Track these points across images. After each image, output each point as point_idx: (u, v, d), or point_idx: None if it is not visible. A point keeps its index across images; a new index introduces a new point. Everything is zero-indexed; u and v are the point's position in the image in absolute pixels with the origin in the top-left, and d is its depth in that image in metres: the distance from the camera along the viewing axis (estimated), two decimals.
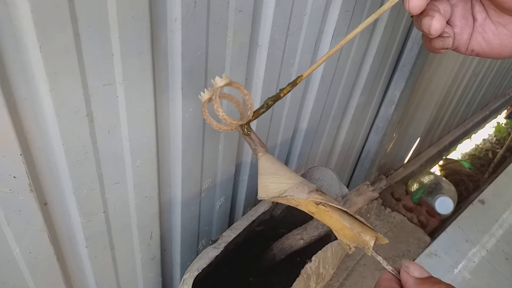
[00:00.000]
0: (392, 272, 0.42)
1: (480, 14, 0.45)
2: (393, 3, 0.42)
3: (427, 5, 0.42)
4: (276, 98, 0.49)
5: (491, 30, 0.45)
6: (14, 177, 0.44)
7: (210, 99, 0.44)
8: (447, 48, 0.45)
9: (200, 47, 0.53)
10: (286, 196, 0.48)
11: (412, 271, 0.41)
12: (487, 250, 1.29)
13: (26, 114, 0.42)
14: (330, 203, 0.46)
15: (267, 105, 0.48)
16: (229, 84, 0.43)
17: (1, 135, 0.40)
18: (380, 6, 0.78)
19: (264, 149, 0.51)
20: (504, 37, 0.44)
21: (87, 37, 0.41)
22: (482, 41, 0.46)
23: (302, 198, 0.47)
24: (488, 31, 0.45)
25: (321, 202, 0.47)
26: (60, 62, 0.40)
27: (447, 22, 0.46)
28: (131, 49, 0.45)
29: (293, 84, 0.48)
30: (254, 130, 0.70)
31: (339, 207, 0.46)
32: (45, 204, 0.51)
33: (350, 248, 0.47)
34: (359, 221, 0.46)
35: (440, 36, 0.44)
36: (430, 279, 0.40)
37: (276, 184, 0.49)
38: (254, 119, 0.48)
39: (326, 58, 0.46)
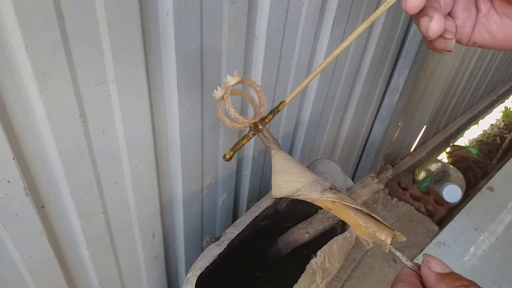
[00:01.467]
0: (412, 267, 0.41)
1: (484, 5, 0.43)
2: (389, 5, 0.40)
3: (426, 1, 0.39)
4: (255, 129, 0.48)
5: (496, 22, 0.42)
6: (8, 181, 0.43)
7: (223, 97, 0.43)
8: (449, 51, 0.42)
9: (194, 41, 0.51)
10: (299, 195, 0.48)
11: (434, 266, 0.40)
12: (496, 238, 1.27)
13: (16, 116, 0.41)
14: (344, 202, 0.45)
15: (248, 137, 0.48)
16: (240, 82, 0.42)
17: None
18: (378, 1, 0.76)
19: (277, 147, 0.49)
20: (509, 30, 0.42)
21: (75, 35, 0.40)
22: (486, 33, 0.43)
23: (315, 197, 0.46)
24: (492, 23, 0.43)
25: (334, 201, 0.45)
26: (48, 62, 0.39)
27: (448, 14, 0.43)
28: (122, 46, 0.44)
29: (275, 111, 0.48)
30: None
31: (353, 205, 0.45)
32: (42, 207, 0.50)
33: (368, 244, 0.46)
34: (375, 219, 0.45)
35: (441, 36, 0.41)
36: (452, 275, 0.38)
37: (289, 182, 0.48)
38: (235, 152, 0.48)
39: (312, 78, 0.45)
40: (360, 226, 0.45)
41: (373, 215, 0.45)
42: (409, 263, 0.41)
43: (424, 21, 0.39)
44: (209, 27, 0.52)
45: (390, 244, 0.43)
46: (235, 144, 0.49)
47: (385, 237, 0.44)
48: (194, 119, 0.59)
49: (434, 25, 0.38)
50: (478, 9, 0.43)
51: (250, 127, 0.49)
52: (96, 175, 0.52)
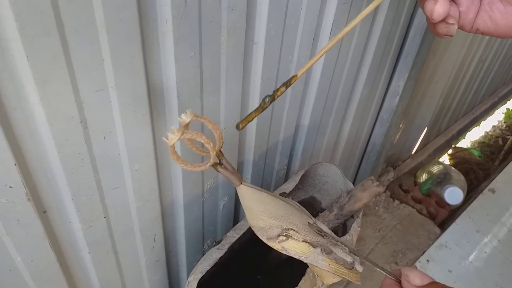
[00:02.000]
0: (394, 279, 0.42)
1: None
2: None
3: None
4: (272, 98, 0.47)
5: (499, 9, 0.43)
6: (10, 187, 0.44)
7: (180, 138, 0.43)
8: (451, 35, 0.43)
9: (193, 48, 0.52)
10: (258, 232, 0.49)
11: (413, 279, 0.40)
12: (498, 240, 1.27)
13: (18, 123, 0.42)
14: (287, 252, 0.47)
15: (262, 108, 0.46)
16: (194, 119, 0.42)
17: None
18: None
19: (238, 182, 0.49)
20: (511, 17, 0.43)
21: (75, 43, 0.40)
22: (488, 20, 0.44)
23: (263, 240, 0.48)
24: (496, 10, 0.43)
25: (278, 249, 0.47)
26: (49, 70, 0.40)
27: (453, 0, 0.44)
28: (122, 53, 0.45)
29: (287, 84, 0.47)
30: (252, 134, 0.69)
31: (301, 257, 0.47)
32: (44, 212, 0.51)
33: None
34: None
35: (444, 21, 0.42)
36: (432, 284, 0.39)
37: (254, 220, 0.49)
38: (247, 123, 0.46)
39: (322, 54, 0.44)
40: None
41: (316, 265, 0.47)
42: (389, 276, 0.42)
43: (429, 3, 0.40)
44: (208, 34, 0.52)
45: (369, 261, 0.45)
46: (248, 115, 0.47)
47: (335, 279, 0.46)
48: (194, 123, 0.60)
49: (438, 7, 0.39)
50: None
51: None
52: (97, 180, 0.52)
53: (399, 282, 0.41)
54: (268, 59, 0.65)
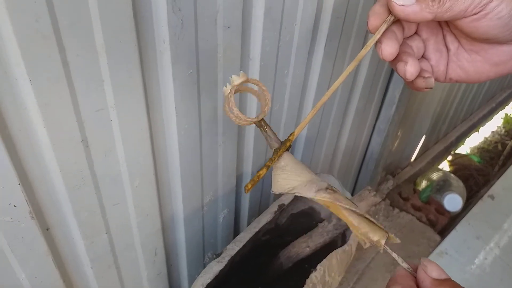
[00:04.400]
0: (408, 269, 0.42)
1: (452, 44, 0.46)
2: (368, 49, 0.43)
3: (400, 48, 0.42)
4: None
5: (465, 58, 0.45)
6: (14, 206, 0.45)
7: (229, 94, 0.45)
8: (430, 87, 0.45)
9: (190, 66, 0.54)
10: (294, 193, 0.49)
11: (430, 271, 0.40)
12: (499, 247, 1.27)
13: (21, 144, 0.43)
14: (338, 203, 0.46)
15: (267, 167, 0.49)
16: (246, 81, 0.44)
17: None
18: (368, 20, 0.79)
19: (278, 145, 0.51)
20: (478, 64, 0.45)
21: (76, 65, 0.42)
22: (458, 69, 0.46)
23: (309, 196, 0.48)
24: (462, 59, 0.46)
25: (326, 200, 0.47)
26: (51, 92, 0.41)
27: (422, 56, 0.47)
28: (121, 74, 0.46)
29: (287, 142, 0.49)
30: (250, 147, 0.71)
31: (347, 206, 0.46)
32: (47, 229, 0.52)
33: (366, 243, 0.47)
34: (369, 220, 0.46)
35: (420, 76, 0.44)
36: (448, 281, 0.39)
37: (286, 180, 0.50)
38: (254, 185, 0.49)
39: (315, 112, 0.47)
40: (355, 226, 0.46)
41: (367, 216, 0.46)
42: (405, 265, 0.42)
43: (400, 66, 0.42)
44: (205, 52, 0.54)
45: (386, 245, 0.45)
46: (254, 177, 0.50)
47: (378, 238, 0.45)
48: (193, 139, 0.61)
49: (409, 68, 0.42)
50: (448, 49, 0.46)
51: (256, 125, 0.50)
52: (98, 196, 0.54)
53: (414, 277, 0.41)
54: (264, 74, 0.66)
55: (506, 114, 2.77)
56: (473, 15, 0.38)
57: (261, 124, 0.49)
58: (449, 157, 2.19)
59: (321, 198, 0.47)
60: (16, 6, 0.35)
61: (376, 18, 0.42)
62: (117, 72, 0.46)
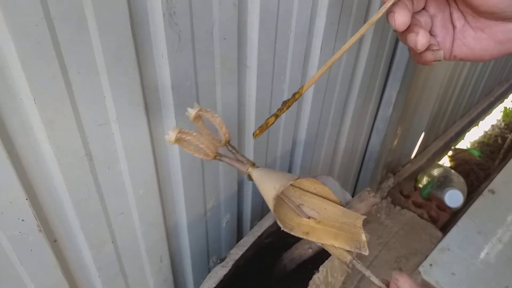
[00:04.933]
0: (379, 285, 0.44)
1: (459, 21, 0.47)
2: (380, 15, 0.43)
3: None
4: (286, 105, 0.50)
5: (471, 36, 0.46)
6: (23, 220, 0.47)
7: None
8: (439, 60, 0.46)
9: (189, 78, 0.55)
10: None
11: (402, 284, 0.42)
12: (500, 240, 1.28)
13: (28, 161, 0.45)
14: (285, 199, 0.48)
15: (276, 116, 0.49)
16: (198, 113, 0.45)
17: (6, 183, 0.43)
18: (364, 18, 0.80)
19: (249, 165, 0.51)
20: (484, 41, 0.46)
21: (78, 83, 0.43)
22: (463, 46, 0.47)
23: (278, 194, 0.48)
24: (468, 36, 0.46)
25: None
26: (54, 110, 0.43)
27: (429, 32, 0.47)
28: (122, 89, 0.48)
29: (296, 95, 0.50)
30: (250, 151, 0.72)
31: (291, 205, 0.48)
32: (55, 241, 0.53)
33: (347, 260, 0.48)
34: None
35: (429, 49, 0.45)
36: None
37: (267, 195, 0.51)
38: (262, 132, 0.49)
39: (327, 67, 0.48)
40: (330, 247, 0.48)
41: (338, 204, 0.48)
42: (376, 281, 0.44)
43: (411, 36, 0.43)
44: (202, 64, 0.55)
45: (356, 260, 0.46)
46: (263, 124, 0.50)
47: (347, 256, 0.47)
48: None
49: (421, 38, 0.43)
50: (454, 26, 0.47)
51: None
52: (103, 207, 0.55)
53: None
54: (261, 81, 0.68)
55: (505, 108, 2.78)
56: None
57: (228, 149, 0.49)
58: (450, 152, 2.20)
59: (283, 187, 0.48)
60: (18, 31, 0.36)
61: None
62: (118, 88, 0.47)
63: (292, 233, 0.49)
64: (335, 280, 0.77)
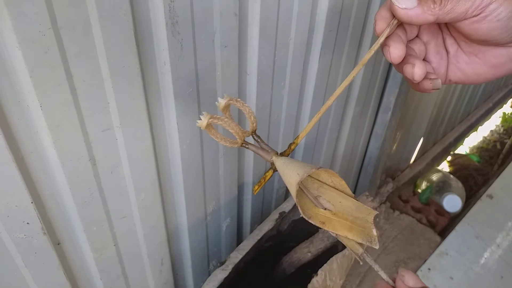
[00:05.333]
0: (387, 280, 0.45)
1: (452, 47, 0.48)
2: (373, 52, 0.44)
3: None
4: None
5: (464, 60, 0.47)
6: (28, 223, 0.48)
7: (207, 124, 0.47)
8: (437, 88, 0.47)
9: (191, 84, 0.56)
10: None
11: (407, 280, 0.43)
12: (498, 245, 1.29)
13: (33, 165, 0.46)
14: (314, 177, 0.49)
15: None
16: (228, 103, 0.46)
17: (12, 187, 0.44)
18: (362, 26, 0.81)
19: (272, 154, 0.52)
20: (477, 66, 0.47)
21: (83, 90, 0.45)
22: (457, 71, 0.48)
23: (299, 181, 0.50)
24: (461, 61, 0.47)
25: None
26: (60, 116, 0.44)
27: (424, 59, 0.48)
28: (125, 96, 0.49)
29: (292, 145, 0.52)
30: (251, 157, 0.73)
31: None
32: (58, 244, 0.54)
33: (359, 252, 0.50)
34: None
35: (426, 78, 0.45)
36: None
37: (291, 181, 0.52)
38: (260, 187, 0.51)
39: (319, 116, 0.50)
40: (344, 238, 0.49)
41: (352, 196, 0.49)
42: (384, 275, 0.45)
43: (407, 68, 0.44)
44: (204, 71, 0.57)
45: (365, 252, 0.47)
46: (261, 179, 0.52)
47: (360, 249, 0.48)
48: (194, 152, 0.64)
49: (417, 70, 0.43)
50: (447, 51, 0.48)
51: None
52: (106, 211, 0.56)
53: (392, 287, 0.44)
54: (262, 87, 0.69)
55: (504, 113, 2.80)
56: (473, 17, 0.40)
57: (253, 137, 0.51)
58: (449, 158, 2.21)
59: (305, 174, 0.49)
60: (27, 40, 0.38)
61: (383, 22, 0.43)
62: (122, 94, 0.48)
63: (310, 221, 0.50)
64: (333, 283, 0.78)
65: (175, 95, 0.55)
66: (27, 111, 0.42)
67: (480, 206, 1.45)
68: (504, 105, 2.75)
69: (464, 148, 2.44)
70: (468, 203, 1.64)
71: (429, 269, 1.21)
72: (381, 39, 0.43)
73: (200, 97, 0.59)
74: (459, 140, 2.17)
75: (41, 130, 0.44)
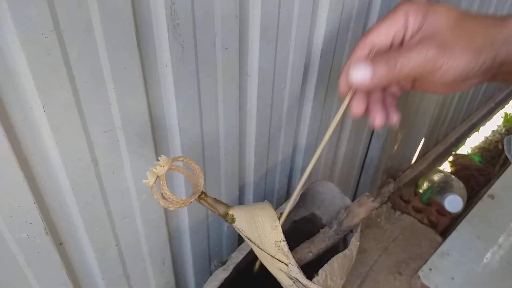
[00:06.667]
0: None
1: (406, 87, 0.54)
2: (340, 115, 0.52)
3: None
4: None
5: (427, 87, 0.51)
6: (30, 223, 0.48)
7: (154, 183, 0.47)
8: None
9: (192, 86, 0.57)
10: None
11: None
12: (499, 245, 1.29)
13: (36, 166, 0.46)
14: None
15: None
16: (170, 168, 0.47)
17: (15, 187, 0.45)
18: (363, 26, 0.82)
19: (224, 208, 0.58)
20: (440, 88, 0.49)
21: (85, 92, 0.45)
22: (426, 90, 0.52)
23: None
24: (425, 87, 0.51)
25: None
26: (62, 118, 0.45)
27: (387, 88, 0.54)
28: (127, 97, 0.49)
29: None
30: (251, 157, 0.74)
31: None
32: (60, 244, 0.55)
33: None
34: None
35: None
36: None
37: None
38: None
39: (312, 165, 0.57)
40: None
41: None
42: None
43: (370, 119, 0.53)
44: (205, 73, 0.57)
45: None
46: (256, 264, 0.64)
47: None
48: (195, 153, 0.64)
49: (377, 123, 0.53)
50: (412, 85, 0.53)
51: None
52: (108, 211, 0.57)
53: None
54: (262, 89, 0.70)
55: (505, 113, 2.79)
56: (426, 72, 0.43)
57: (200, 198, 0.53)
58: (450, 158, 2.21)
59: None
60: (29, 42, 0.38)
61: (344, 86, 0.51)
62: (123, 95, 0.49)
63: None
64: (334, 283, 0.78)
65: (176, 96, 0.55)
66: (30, 112, 0.42)
67: (482, 207, 1.45)
68: (506, 105, 2.75)
69: (465, 149, 2.44)
70: (469, 203, 1.64)
71: (430, 269, 1.21)
72: (344, 106, 0.51)
73: (201, 98, 0.59)
74: (460, 140, 2.17)
75: (44, 131, 0.45)
